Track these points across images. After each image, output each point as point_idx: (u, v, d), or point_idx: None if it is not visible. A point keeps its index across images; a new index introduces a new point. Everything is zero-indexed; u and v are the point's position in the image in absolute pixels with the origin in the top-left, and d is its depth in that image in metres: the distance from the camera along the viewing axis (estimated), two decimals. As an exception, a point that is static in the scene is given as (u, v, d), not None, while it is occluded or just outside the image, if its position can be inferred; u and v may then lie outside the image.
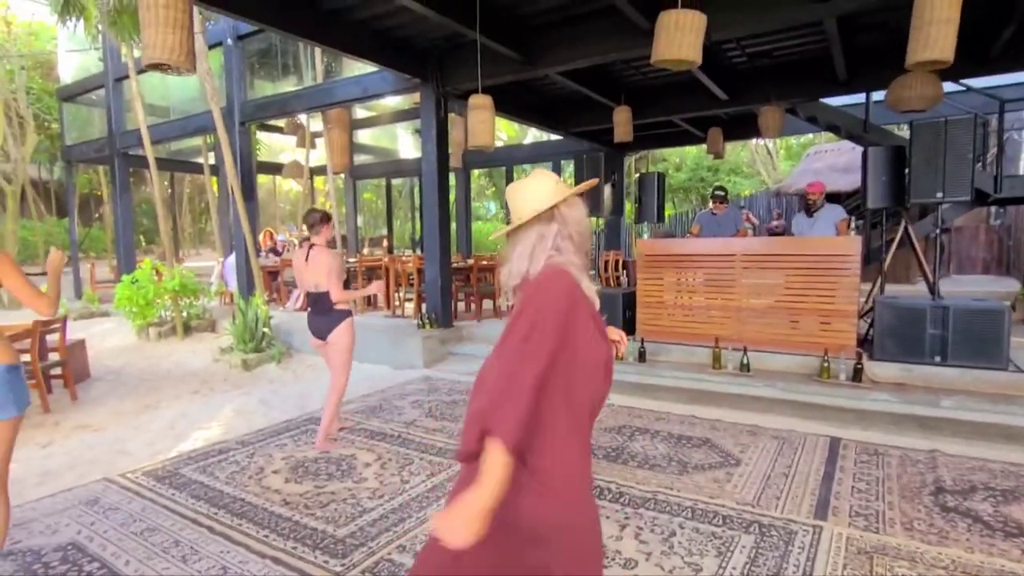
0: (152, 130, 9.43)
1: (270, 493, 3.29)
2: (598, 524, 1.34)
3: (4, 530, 2.36)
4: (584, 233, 1.39)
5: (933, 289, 5.28)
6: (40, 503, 3.20)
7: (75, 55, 13.01)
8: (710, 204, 6.94)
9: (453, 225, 12.55)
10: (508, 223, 1.43)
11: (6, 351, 2.29)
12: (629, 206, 13.53)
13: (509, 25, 5.88)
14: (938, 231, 5.34)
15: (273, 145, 15.56)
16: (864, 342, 5.56)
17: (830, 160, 13.99)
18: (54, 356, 5.74)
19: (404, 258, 9.23)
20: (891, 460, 3.63)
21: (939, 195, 4.85)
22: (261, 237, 11.12)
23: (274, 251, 11.45)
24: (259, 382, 6.40)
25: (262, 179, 17.41)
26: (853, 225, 8.36)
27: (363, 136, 14.45)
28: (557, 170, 12.61)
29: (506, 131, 16.99)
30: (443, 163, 7.06)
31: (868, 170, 5.45)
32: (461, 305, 8.57)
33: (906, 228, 5.62)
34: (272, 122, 11.05)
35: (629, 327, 6.40)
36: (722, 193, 6.80)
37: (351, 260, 9.87)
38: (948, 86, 5.91)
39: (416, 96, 9.34)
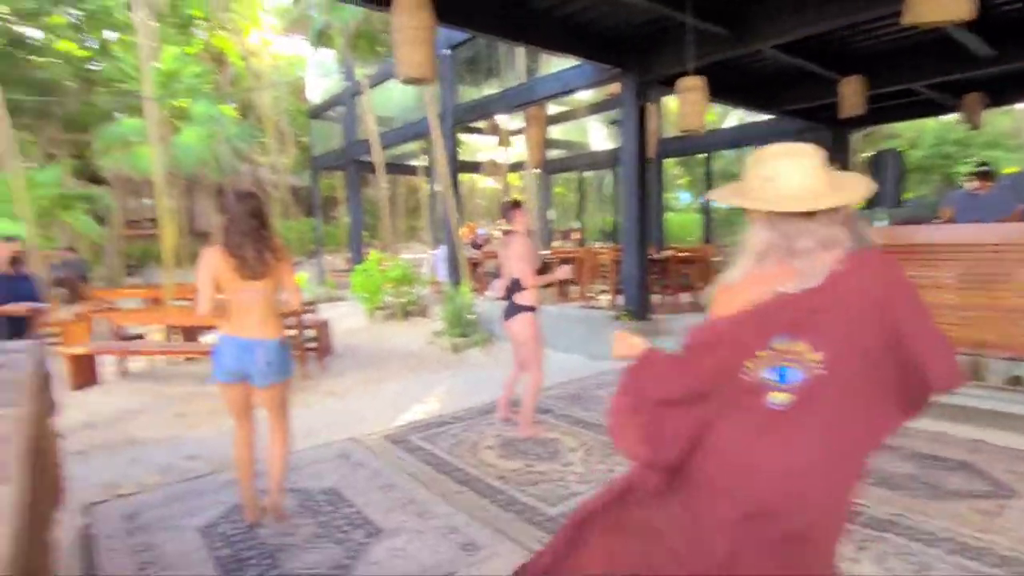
0: (379, 138, 10.74)
1: (485, 467, 3.55)
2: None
3: (285, 471, 2.89)
4: None
5: None
6: (306, 453, 3.84)
7: (321, 79, 15.36)
8: (968, 183, 5.80)
9: (646, 216, 12.27)
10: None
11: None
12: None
13: (719, 0, 5.54)
14: None
15: (471, 145, 16.72)
16: None
17: None
18: (309, 332, 6.87)
19: (598, 249, 9.28)
20: None
21: None
22: (463, 231, 12.06)
23: (475, 244, 12.32)
24: (465, 364, 6.95)
25: (461, 177, 18.93)
26: None
27: (555, 131, 14.84)
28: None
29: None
30: (642, 153, 6.92)
31: None
32: (655, 298, 8.35)
33: None
34: (473, 124, 11.89)
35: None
36: (987, 169, 5.65)
37: (545, 252, 10.21)
38: None
39: (609, 88, 9.27)
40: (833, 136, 9.55)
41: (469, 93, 10.28)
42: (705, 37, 5.75)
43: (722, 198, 1.40)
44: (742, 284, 1.27)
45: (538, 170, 14.11)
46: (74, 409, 4.97)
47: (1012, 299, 4.77)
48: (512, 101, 8.60)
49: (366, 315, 9.84)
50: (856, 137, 15.34)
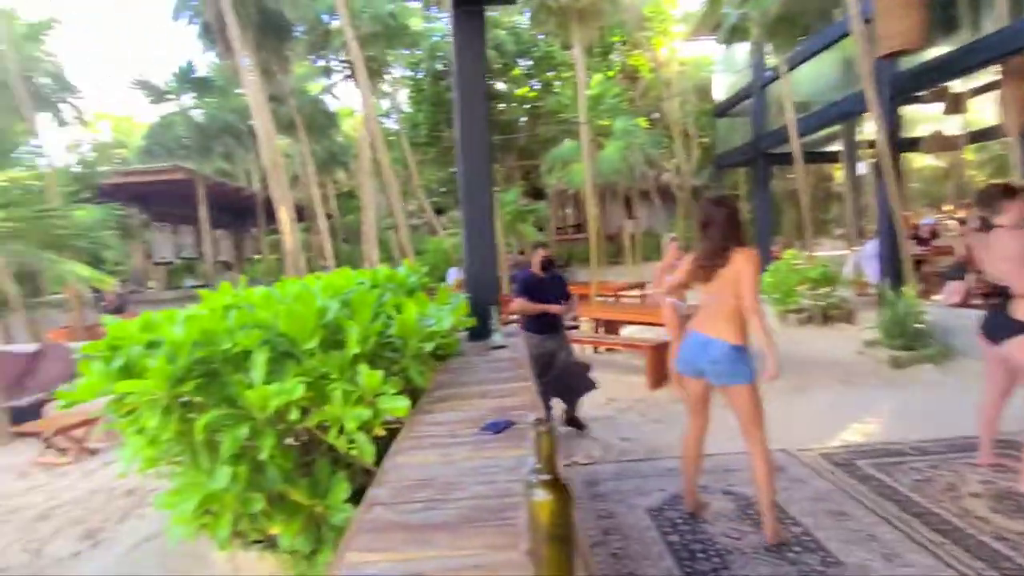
0: (796, 124, 9.90)
1: (972, 519, 2.82)
2: None
3: (765, 491, 2.74)
4: None
5: None
6: (736, 457, 3.77)
7: (726, 76, 15.15)
8: None
9: None
10: None
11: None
12: None
13: None
14: None
15: (906, 117, 13.76)
16: None
17: None
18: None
19: None
20: None
21: None
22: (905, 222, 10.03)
23: (917, 238, 10.13)
24: (913, 383, 5.75)
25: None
26: None
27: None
28: None
29: None
30: None
31: None
32: None
33: None
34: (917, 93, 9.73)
35: None
36: None
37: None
38: None
39: None
40: None
41: (910, 58, 8.48)
42: None
43: None
44: None
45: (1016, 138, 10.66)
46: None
47: None
48: (985, 53, 6.69)
49: (775, 317, 9.22)
50: None
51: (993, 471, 3.36)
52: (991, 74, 8.46)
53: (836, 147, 13.11)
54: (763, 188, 12.84)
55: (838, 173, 19.16)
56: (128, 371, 2.33)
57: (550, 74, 17.89)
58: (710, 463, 2.93)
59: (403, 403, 2.20)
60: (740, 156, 13.91)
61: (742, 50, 11.99)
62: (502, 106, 18.25)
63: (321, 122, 16.50)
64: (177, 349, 2.30)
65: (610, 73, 16.24)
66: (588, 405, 5.25)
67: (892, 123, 8.12)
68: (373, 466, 2.67)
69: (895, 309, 6.63)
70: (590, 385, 4.73)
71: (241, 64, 9.23)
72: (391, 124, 20.67)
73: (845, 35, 8.75)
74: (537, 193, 19.58)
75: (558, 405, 4.70)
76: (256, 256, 21.38)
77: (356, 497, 2.49)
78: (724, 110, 15.15)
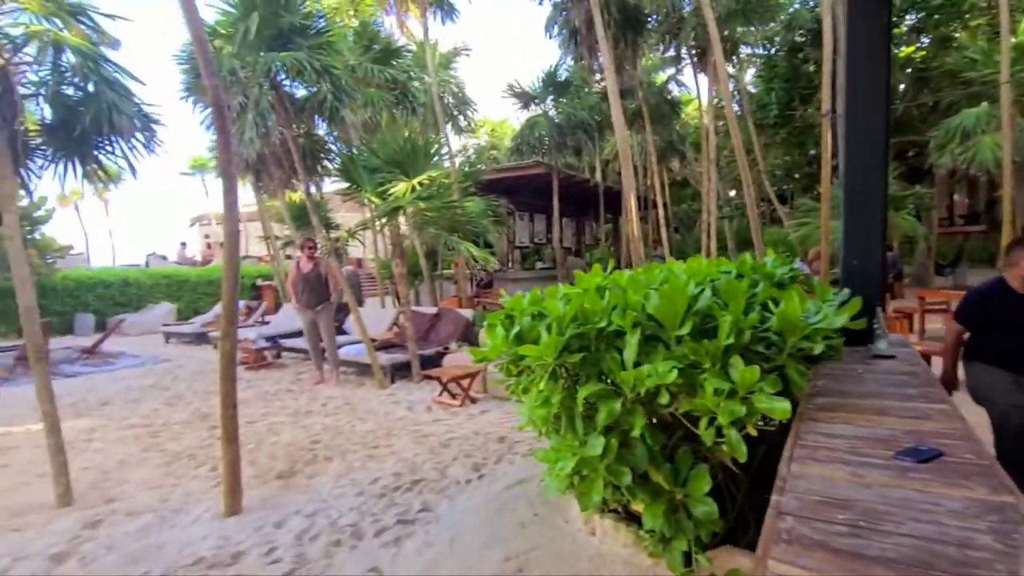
0: None
1: None
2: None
3: None
4: None
5: None
6: None
7: None
8: None
9: None
10: None
11: None
12: None
13: None
14: None
15: None
16: None
17: None
18: None
19: None
20: None
21: None
22: None
23: None
24: None
25: None
26: None
27: None
28: None
29: None
30: None
31: None
32: None
33: None
34: None
35: None
36: None
37: None
38: None
39: None
40: None
41: None
42: None
43: None
44: None
45: None
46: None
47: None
48: None
49: None
50: None
51: None
52: None
53: None
54: None
55: None
56: (521, 338, 2.69)
57: (951, 25, 14.29)
58: None
59: (783, 405, 2.00)
60: None
61: None
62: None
63: (664, 111, 16.68)
64: (561, 322, 2.55)
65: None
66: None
67: None
68: (733, 466, 2.54)
69: None
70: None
71: (599, 63, 9.94)
72: (734, 107, 19.59)
73: None
74: (913, 176, 16.07)
75: None
76: (592, 243, 23.08)
77: (713, 493, 2.40)
78: None
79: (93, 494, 3.93)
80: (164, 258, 20.54)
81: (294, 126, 6.68)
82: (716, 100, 15.41)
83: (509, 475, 3.94)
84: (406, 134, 7.11)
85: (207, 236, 27.97)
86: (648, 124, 15.22)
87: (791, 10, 16.12)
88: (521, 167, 13.36)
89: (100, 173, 4.65)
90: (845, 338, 2.90)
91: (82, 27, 4.25)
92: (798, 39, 16.36)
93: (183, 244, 22.55)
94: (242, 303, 14.15)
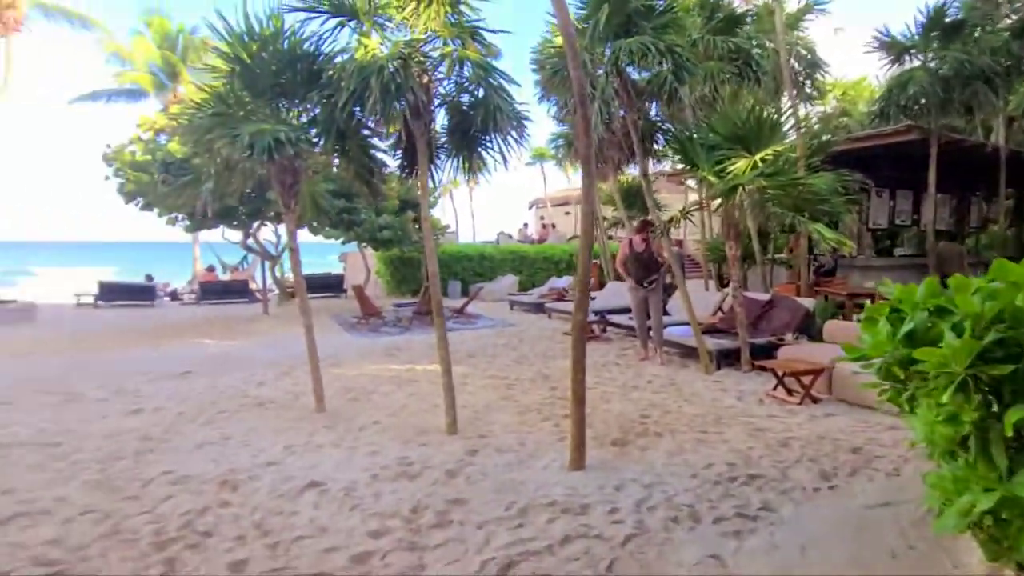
0: None
1: None
2: None
3: None
4: None
5: None
6: None
7: None
8: None
9: None
10: None
11: None
12: None
13: None
14: None
15: None
16: None
17: None
18: None
19: None
20: None
21: None
22: None
23: None
24: None
25: None
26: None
27: None
28: None
29: None
30: None
31: None
32: None
33: None
34: None
35: None
36: None
37: None
38: None
39: None
40: None
41: None
42: None
43: None
44: None
45: None
46: None
47: None
48: None
49: None
50: None
51: None
52: None
53: None
54: None
55: None
56: (913, 338, 2.25)
57: None
58: None
59: None
60: None
61: None
62: None
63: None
64: (978, 322, 2.04)
65: None
66: None
67: None
68: None
69: None
70: None
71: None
72: None
73: None
74: None
75: None
76: (978, 225, 18.06)
77: None
78: None
79: (470, 428, 4.83)
80: (510, 236, 23.89)
81: (634, 110, 6.88)
82: None
83: (868, 493, 3.41)
84: (749, 106, 6.64)
85: (542, 218, 31.39)
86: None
87: None
88: (884, 134, 11.18)
89: (480, 165, 5.60)
90: None
91: (476, 44, 5.13)
92: None
93: (524, 224, 25.83)
94: (568, 279, 15.53)
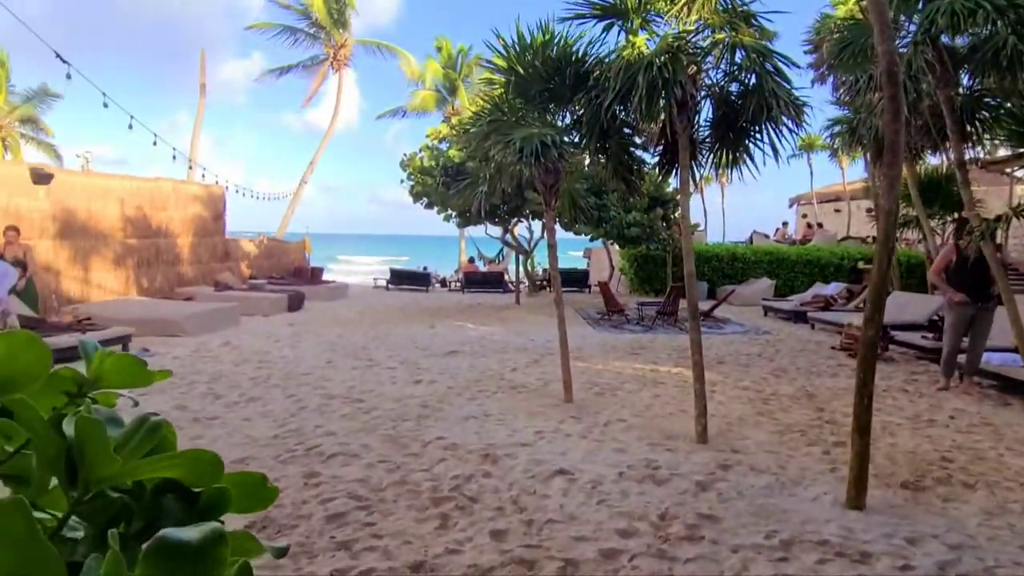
0: None
1: None
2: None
3: None
4: None
5: None
6: None
7: None
8: None
9: None
10: None
11: None
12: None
13: None
14: None
15: None
16: None
17: None
18: None
19: None
20: None
21: None
22: None
23: None
24: None
25: None
26: None
27: None
28: None
29: None
30: None
31: None
32: None
33: None
34: None
35: None
36: None
37: None
38: None
39: None
40: None
41: None
42: None
43: None
44: None
45: None
46: None
47: None
48: None
49: None
50: None
51: None
52: None
53: None
54: None
55: None
56: None
57: None
58: None
59: None
60: None
61: None
62: None
63: None
64: None
65: None
66: None
67: None
68: None
69: None
70: None
71: None
72: None
73: None
74: None
75: None
76: None
77: None
78: None
79: (721, 439, 4.53)
80: (766, 236, 21.82)
81: (951, 84, 5.63)
82: None
83: None
84: None
85: (805, 215, 28.01)
86: None
87: None
88: None
89: (743, 159, 5.17)
90: None
91: (750, 28, 4.73)
92: None
93: (784, 223, 23.33)
94: (840, 285, 13.51)
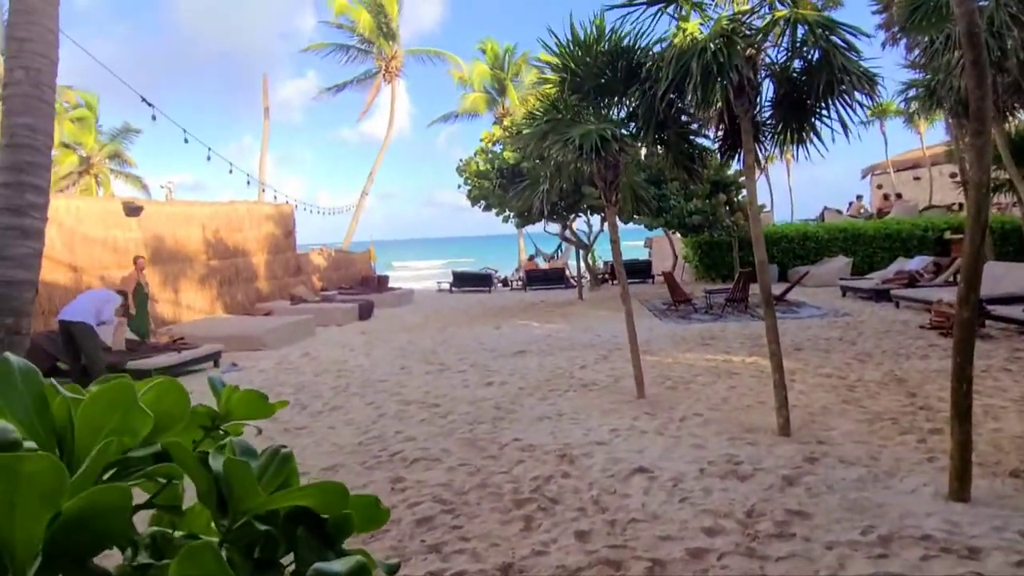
0: None
1: None
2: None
3: None
4: None
5: None
6: None
7: None
8: None
9: None
10: None
11: None
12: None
13: None
14: None
15: None
16: None
17: None
18: None
19: None
20: None
21: None
22: None
23: None
24: None
25: None
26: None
27: None
28: None
29: None
30: None
31: None
32: None
33: None
34: None
35: None
36: None
37: None
38: None
39: None
40: None
41: None
42: None
43: None
44: None
45: None
46: None
47: None
48: None
49: None
50: None
51: None
52: None
53: None
54: None
55: None
56: None
57: None
58: None
59: None
60: None
61: None
62: None
63: None
64: None
65: None
66: None
67: None
68: None
69: None
70: None
71: None
72: None
73: None
74: None
75: None
76: None
77: None
78: None
79: (804, 431, 4.36)
80: (839, 212, 20.69)
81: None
82: None
83: None
84: None
85: (880, 187, 26.34)
86: None
87: None
88: None
89: (809, 137, 4.95)
90: None
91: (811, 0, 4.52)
92: None
93: (858, 197, 22.05)
94: (926, 259, 12.64)
